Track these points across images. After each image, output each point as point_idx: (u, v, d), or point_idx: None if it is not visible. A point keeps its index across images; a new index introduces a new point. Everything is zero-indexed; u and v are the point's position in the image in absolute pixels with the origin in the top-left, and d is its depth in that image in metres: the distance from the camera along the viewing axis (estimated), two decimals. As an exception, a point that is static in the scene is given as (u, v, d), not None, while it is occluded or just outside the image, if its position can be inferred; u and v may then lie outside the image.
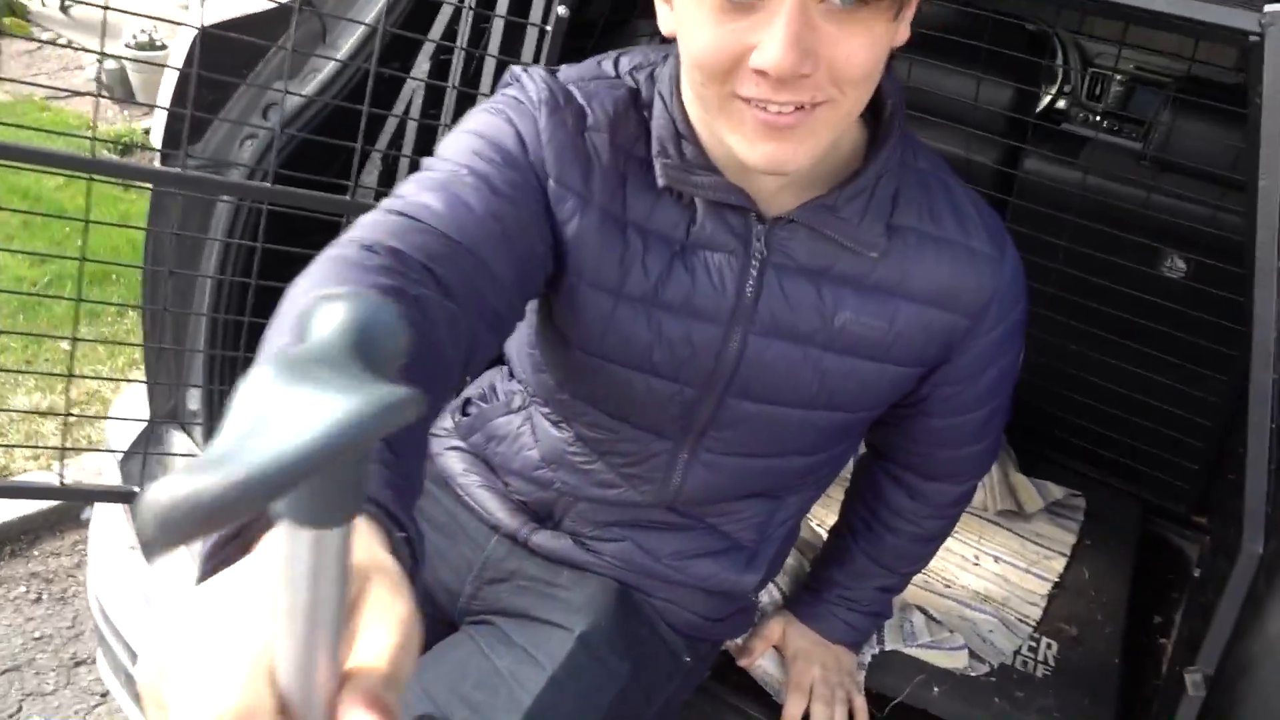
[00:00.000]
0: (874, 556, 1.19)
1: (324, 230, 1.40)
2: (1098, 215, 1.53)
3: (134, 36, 5.13)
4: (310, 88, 1.39)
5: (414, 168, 1.30)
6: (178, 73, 1.32)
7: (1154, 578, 1.59)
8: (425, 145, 1.33)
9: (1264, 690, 0.89)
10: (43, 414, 2.40)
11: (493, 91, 0.97)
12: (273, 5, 1.39)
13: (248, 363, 1.38)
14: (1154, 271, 1.57)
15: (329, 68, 1.39)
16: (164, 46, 5.28)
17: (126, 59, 5.29)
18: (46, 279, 3.21)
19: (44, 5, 6.58)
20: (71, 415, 1.58)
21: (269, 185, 1.22)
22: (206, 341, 1.38)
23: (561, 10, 1.20)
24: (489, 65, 1.27)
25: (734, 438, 0.96)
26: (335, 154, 1.36)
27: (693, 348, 0.89)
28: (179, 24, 1.42)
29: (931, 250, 0.90)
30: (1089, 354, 1.62)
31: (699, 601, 1.10)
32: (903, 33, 0.79)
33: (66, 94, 5.33)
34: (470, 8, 1.26)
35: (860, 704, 1.22)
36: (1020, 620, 1.40)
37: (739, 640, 1.27)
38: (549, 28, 1.22)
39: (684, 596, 1.09)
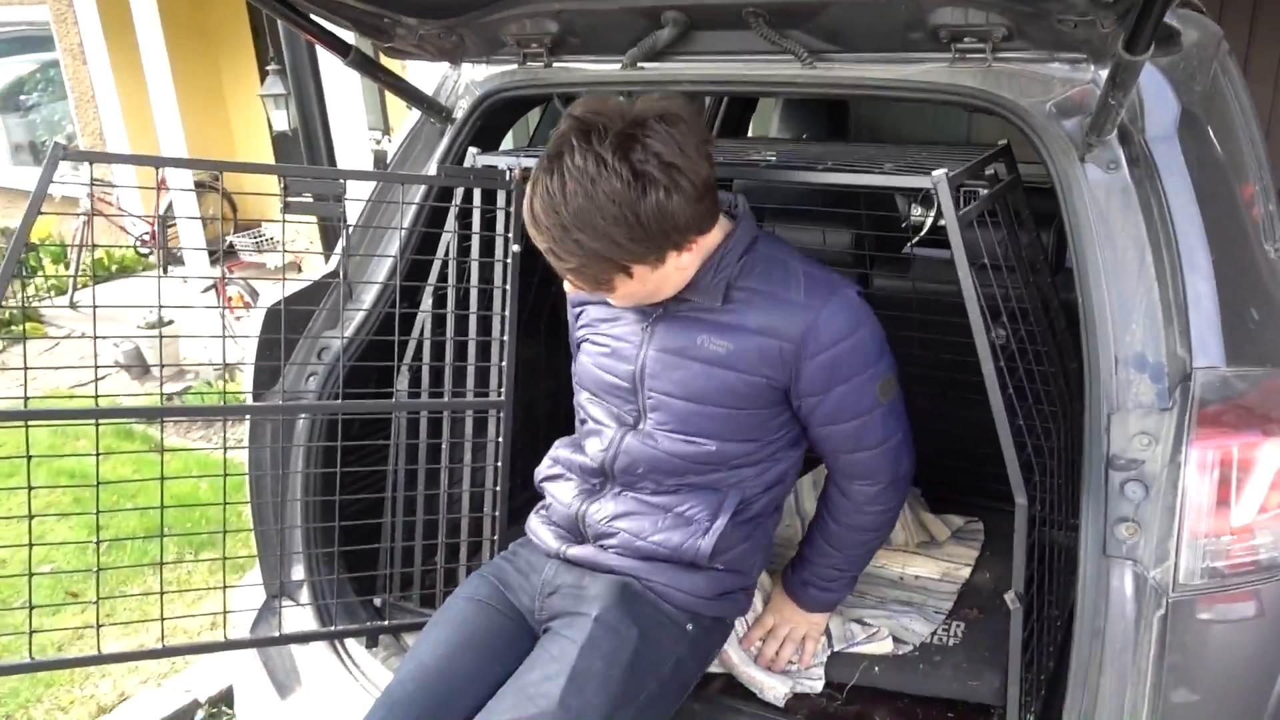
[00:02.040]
0: (826, 539, 1.71)
1: (375, 426, 1.94)
2: (932, 309, 2.07)
3: (144, 318, 5.78)
4: (349, 331, 1.95)
5: (433, 374, 1.85)
6: (258, 339, 1.88)
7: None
8: (437, 355, 1.87)
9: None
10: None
11: (480, 311, 1.57)
12: (312, 282, 1.97)
13: (332, 535, 1.88)
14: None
15: (359, 315, 1.96)
16: (171, 322, 5.95)
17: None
18: (105, 545, 3.68)
19: (54, 307, 7.31)
20: (229, 613, 2.03)
21: (339, 402, 1.74)
22: (303, 518, 1.88)
23: (516, 248, 1.77)
24: (474, 294, 1.83)
25: (652, 420, 1.58)
26: (372, 372, 1.91)
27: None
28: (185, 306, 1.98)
29: (761, 299, 1.53)
30: (960, 411, 2.12)
31: (685, 580, 1.60)
32: (691, 257, 1.48)
33: (109, 366, 5.88)
34: (453, 258, 1.83)
35: (810, 647, 1.76)
36: (935, 612, 1.86)
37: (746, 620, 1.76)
38: (508, 261, 1.78)
39: (672, 576, 1.59)
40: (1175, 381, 1.40)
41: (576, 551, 1.66)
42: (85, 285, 7.60)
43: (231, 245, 7.24)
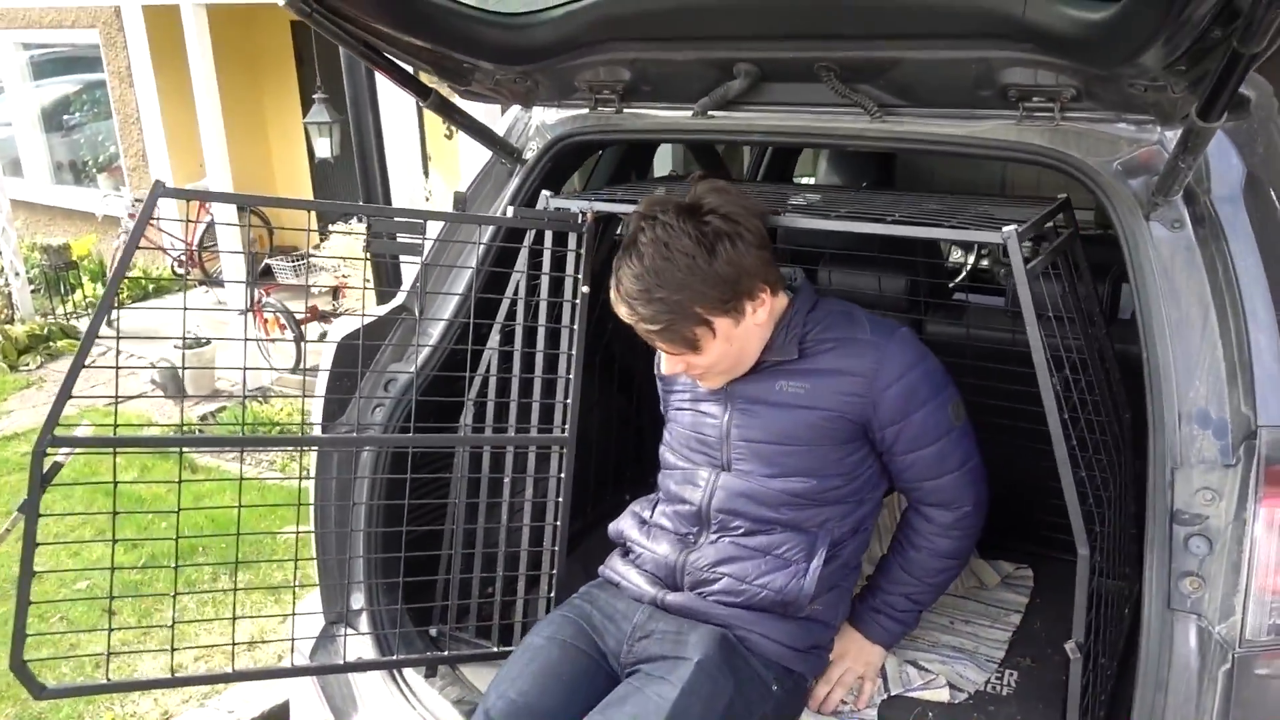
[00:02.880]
0: (903, 566, 1.79)
1: (439, 459, 1.98)
2: (986, 356, 2.11)
3: (182, 339, 5.86)
4: (414, 365, 2.00)
5: (497, 411, 1.89)
6: (329, 372, 1.93)
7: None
8: (504, 392, 1.92)
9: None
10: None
11: (546, 350, 1.72)
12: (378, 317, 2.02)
13: (392, 565, 1.92)
14: (1036, 390, 2.12)
15: (424, 351, 2.00)
16: (209, 342, 6.04)
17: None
18: (141, 561, 3.73)
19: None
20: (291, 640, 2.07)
21: (409, 435, 1.78)
22: (365, 548, 1.92)
23: (584, 289, 1.82)
24: (541, 332, 1.88)
25: (743, 465, 1.70)
26: (433, 405, 1.94)
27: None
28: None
29: (832, 344, 1.69)
30: (1013, 458, 2.14)
31: (781, 629, 1.66)
32: (764, 318, 1.65)
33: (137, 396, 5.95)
34: (522, 298, 1.87)
35: (868, 689, 1.78)
36: (988, 660, 1.87)
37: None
38: (577, 301, 1.83)
39: (770, 626, 1.67)
40: (1239, 438, 1.42)
41: (676, 599, 1.72)
42: (124, 303, 7.73)
43: (268, 268, 7.35)
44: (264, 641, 3.01)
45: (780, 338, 1.69)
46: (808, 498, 1.69)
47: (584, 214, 1.81)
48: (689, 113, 1.89)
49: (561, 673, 1.63)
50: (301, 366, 6.01)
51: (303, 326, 6.06)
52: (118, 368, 1.62)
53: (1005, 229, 1.45)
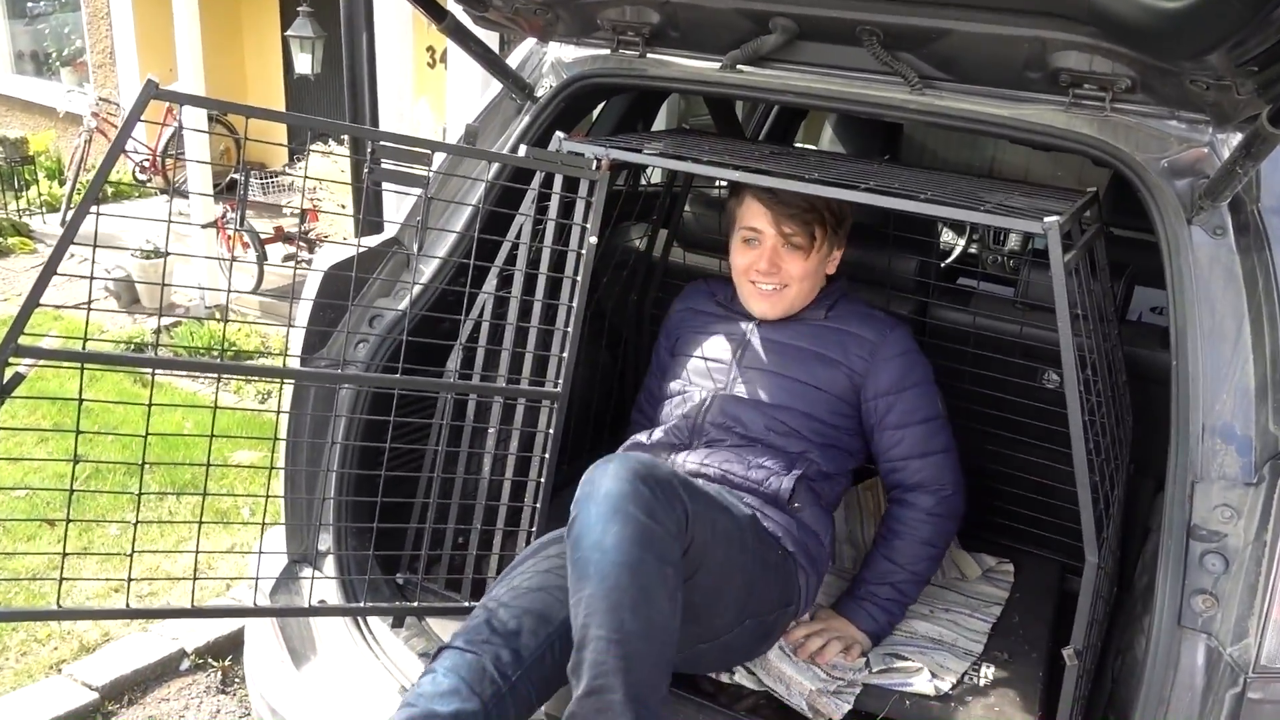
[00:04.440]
0: (888, 555, 1.87)
1: (419, 403, 1.89)
2: (989, 346, 2.06)
3: (139, 247, 5.65)
4: (404, 304, 1.90)
5: (487, 358, 1.80)
6: (313, 301, 1.82)
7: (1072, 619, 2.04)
8: (495, 339, 1.83)
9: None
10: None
11: (546, 298, 1.72)
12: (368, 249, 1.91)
13: (362, 508, 1.84)
14: (1036, 384, 2.08)
15: (415, 289, 1.90)
16: (166, 254, 5.83)
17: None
18: (86, 474, 3.59)
19: (44, 223, 7.16)
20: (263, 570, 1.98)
21: (397, 376, 1.69)
22: (337, 489, 1.84)
23: (592, 240, 1.73)
24: (541, 280, 1.79)
25: (745, 388, 1.89)
26: (419, 347, 1.85)
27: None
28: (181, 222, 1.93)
29: (848, 314, 1.94)
30: (1003, 451, 2.11)
31: (775, 512, 1.80)
32: (832, 265, 1.95)
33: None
34: (524, 242, 1.78)
35: (856, 650, 1.80)
36: (967, 652, 1.84)
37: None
38: (584, 252, 1.74)
39: (763, 507, 1.79)
40: (1264, 457, 1.39)
41: (688, 465, 1.85)
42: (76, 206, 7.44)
43: (234, 182, 7.11)
44: (214, 577, 2.92)
45: (819, 299, 1.94)
46: (792, 426, 1.85)
47: (599, 160, 1.72)
48: (716, 64, 1.80)
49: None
50: (260, 288, 5.85)
51: (265, 247, 5.88)
52: (92, 278, 1.50)
53: (1047, 220, 1.38)
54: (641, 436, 1.97)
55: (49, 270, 1.39)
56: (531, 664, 1.47)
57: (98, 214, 1.34)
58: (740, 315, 1.99)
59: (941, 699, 1.73)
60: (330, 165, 5.30)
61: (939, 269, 2.23)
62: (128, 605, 1.54)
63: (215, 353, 4.73)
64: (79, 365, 1.49)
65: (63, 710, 2.39)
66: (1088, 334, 1.69)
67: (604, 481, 1.44)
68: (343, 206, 5.28)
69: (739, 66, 1.77)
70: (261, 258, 5.80)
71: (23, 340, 1.39)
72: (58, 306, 3.25)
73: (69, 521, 1.48)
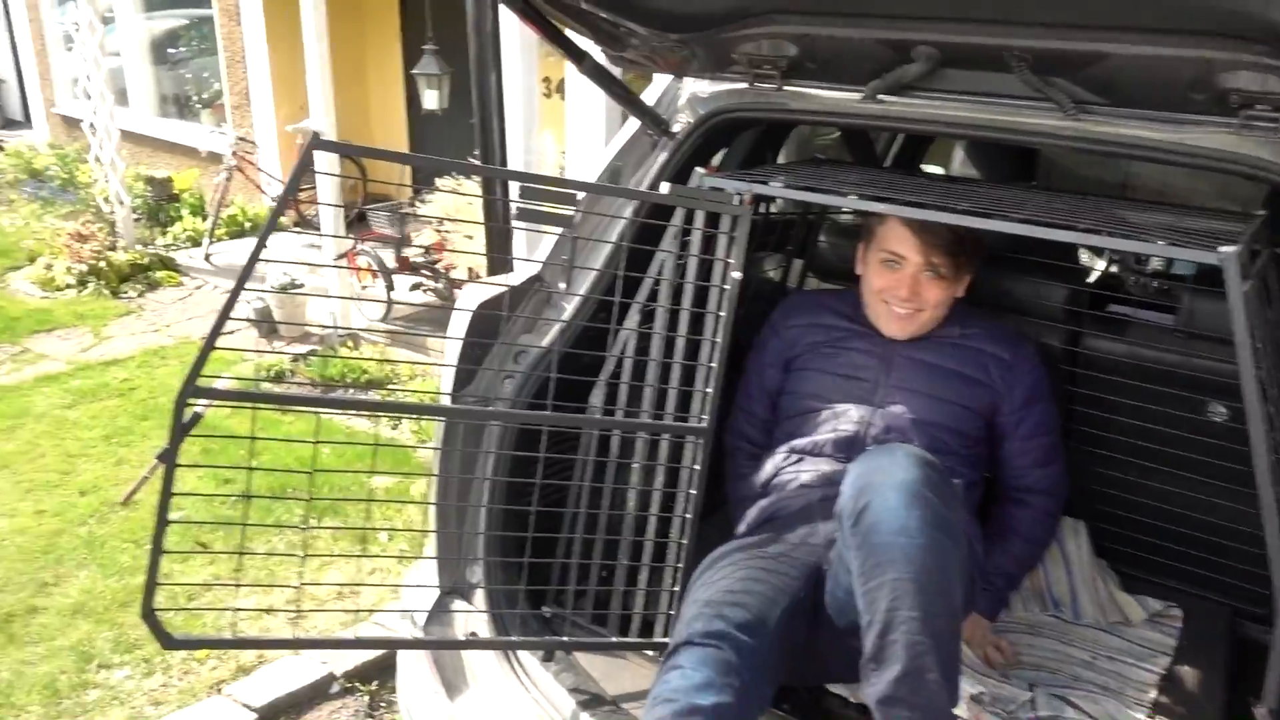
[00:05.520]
0: (1006, 550, 1.97)
1: (566, 440, 1.91)
2: (1147, 378, 1.97)
3: (277, 280, 5.90)
4: (546, 340, 1.93)
5: (631, 393, 1.82)
6: (461, 341, 1.87)
7: (1246, 670, 1.93)
8: (639, 375, 1.84)
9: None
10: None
11: (689, 334, 1.76)
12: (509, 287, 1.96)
13: (508, 542, 1.87)
14: (1201, 417, 1.99)
15: (556, 326, 1.94)
16: (302, 285, 6.07)
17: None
18: (233, 499, 3.74)
19: (189, 257, 7.55)
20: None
21: (546, 413, 1.72)
22: (484, 525, 1.87)
23: (736, 275, 1.73)
24: (683, 316, 1.80)
25: (899, 406, 1.91)
26: (562, 383, 1.88)
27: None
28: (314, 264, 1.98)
29: (981, 331, 1.97)
30: (1165, 489, 2.01)
31: None
32: (960, 290, 1.94)
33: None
34: (666, 279, 1.79)
35: (1006, 647, 1.91)
36: (1137, 703, 1.76)
37: None
38: (727, 287, 1.74)
39: None
40: None
41: None
42: (221, 238, 7.83)
43: (363, 214, 7.37)
44: (377, 609, 2.99)
45: (949, 319, 1.98)
46: (946, 441, 1.90)
47: (742, 196, 1.72)
48: (856, 95, 1.78)
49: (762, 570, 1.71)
50: (389, 316, 6.03)
51: (393, 277, 6.06)
52: (267, 322, 1.56)
53: (1223, 249, 1.32)
54: (784, 453, 1.96)
55: (223, 317, 1.46)
56: (763, 657, 1.54)
57: (214, 240, 1.40)
58: (873, 330, 1.99)
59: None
60: (458, 200, 5.44)
61: (1090, 297, 2.15)
62: (295, 636, 1.59)
63: (350, 386, 4.90)
64: (252, 406, 1.56)
65: (224, 730, 2.50)
66: (1268, 365, 1.61)
67: (894, 470, 1.50)
68: (469, 238, 5.41)
69: (880, 96, 1.75)
70: (389, 287, 5.99)
71: (199, 382, 1.47)
72: (229, 348, 3.40)
73: (242, 554, 1.53)
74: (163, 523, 1.48)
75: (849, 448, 1.89)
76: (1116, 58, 1.49)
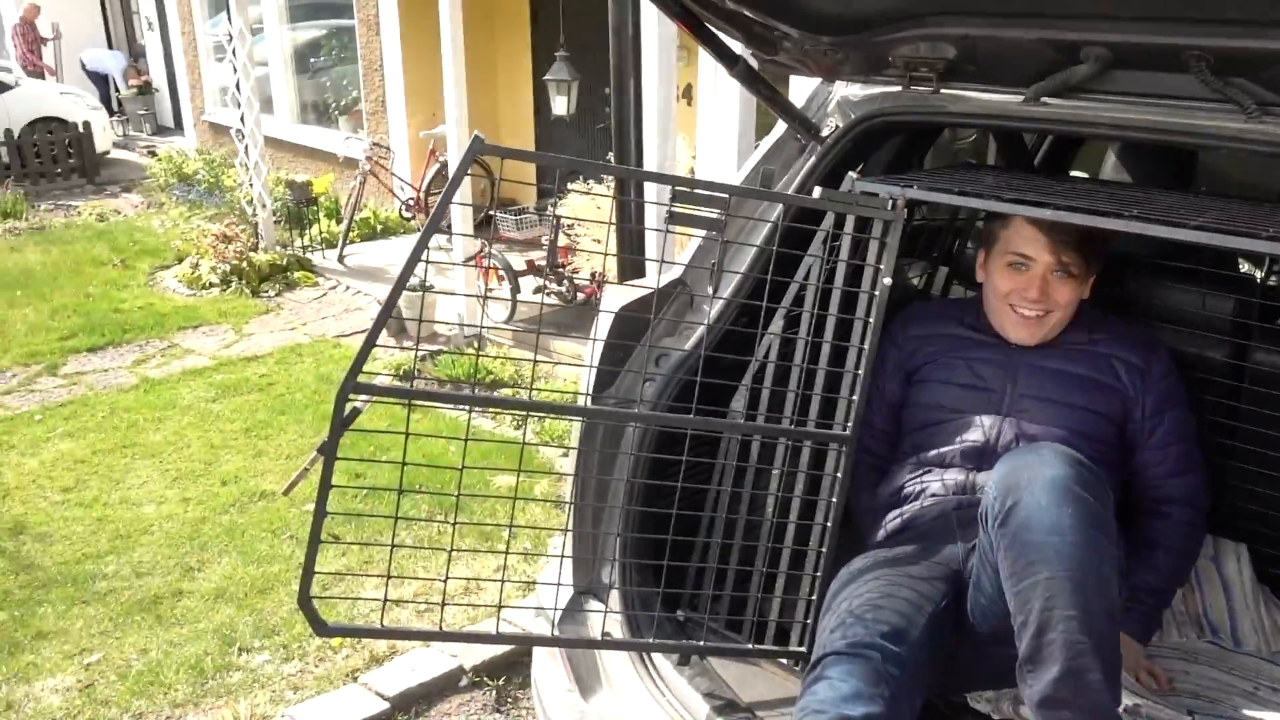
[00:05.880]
0: (1151, 565, 1.86)
1: (705, 444, 1.90)
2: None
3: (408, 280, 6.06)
4: (689, 344, 1.93)
5: (773, 399, 1.80)
6: (603, 342, 1.88)
7: None
8: (782, 380, 1.82)
9: None
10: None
11: (834, 340, 1.72)
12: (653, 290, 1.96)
13: (645, 544, 1.87)
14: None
15: (699, 329, 1.93)
16: (433, 287, 6.23)
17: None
18: (365, 489, 3.85)
19: (324, 258, 7.84)
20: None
21: (690, 416, 1.72)
22: (620, 527, 1.88)
23: (886, 281, 1.69)
24: (830, 322, 1.77)
25: (1028, 414, 1.85)
26: (705, 388, 1.87)
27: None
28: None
29: (1108, 335, 1.91)
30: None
31: None
32: (1086, 291, 1.88)
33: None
34: (813, 284, 1.77)
35: (1160, 673, 1.81)
36: (1307, 739, 1.66)
37: None
38: (876, 293, 1.71)
39: None
40: None
41: (986, 477, 1.77)
42: (355, 240, 8.11)
43: (490, 218, 7.53)
44: (516, 606, 3.03)
45: (1075, 324, 1.91)
46: (1076, 446, 1.71)
47: (895, 200, 1.69)
48: (1018, 98, 1.73)
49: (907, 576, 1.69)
50: (513, 318, 6.14)
51: (519, 280, 6.17)
52: (421, 320, 1.60)
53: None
54: (911, 466, 1.93)
55: (381, 320, 1.51)
56: (911, 666, 1.51)
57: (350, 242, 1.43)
58: (996, 339, 1.93)
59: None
60: (588, 202, 5.51)
61: (1260, 308, 2.04)
62: (440, 628, 1.63)
63: (472, 388, 5.00)
64: (407, 402, 1.60)
65: (360, 717, 2.57)
66: None
67: (1042, 468, 1.46)
68: (596, 241, 5.47)
69: (1044, 98, 1.69)
70: (515, 290, 6.10)
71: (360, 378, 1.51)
72: (383, 345, 3.51)
73: (393, 547, 1.57)
74: (321, 513, 1.53)
75: (978, 458, 1.86)
76: (1307, 57, 1.40)
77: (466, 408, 1.70)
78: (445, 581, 1.63)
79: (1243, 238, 1.38)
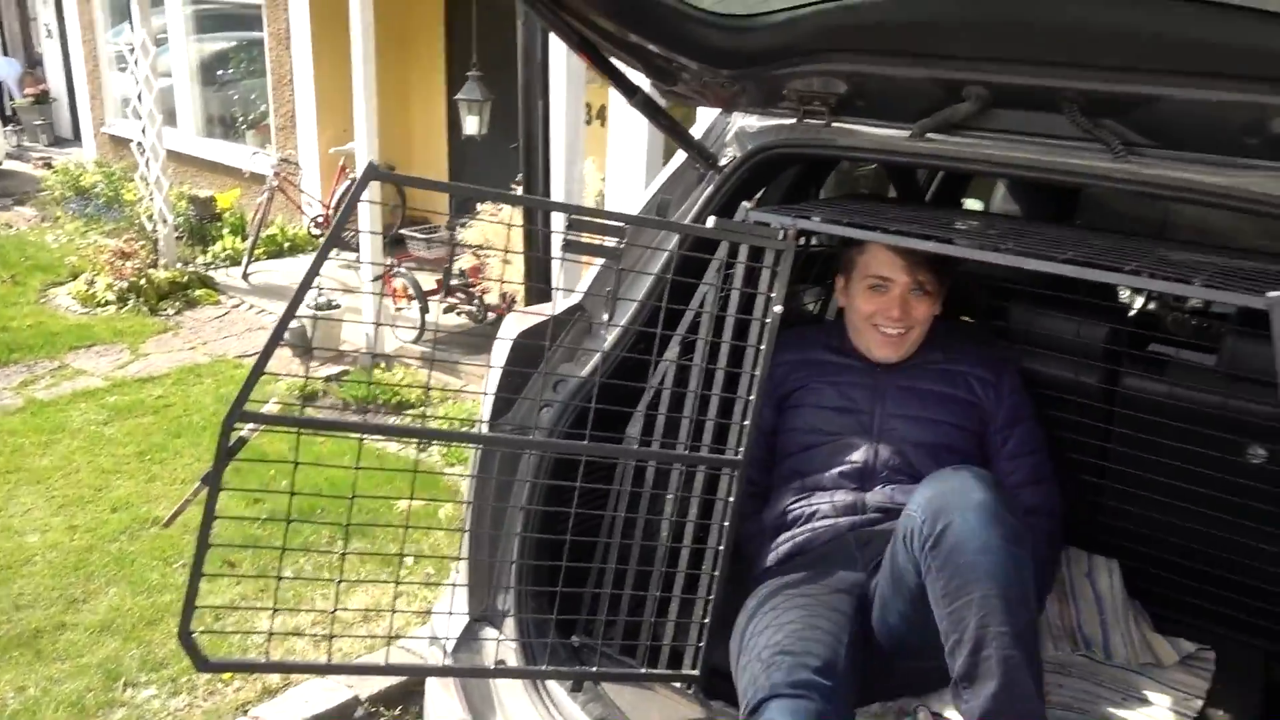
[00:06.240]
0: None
1: (600, 469, 1.91)
2: (1186, 418, 1.95)
3: (312, 299, 5.95)
4: (585, 370, 1.94)
5: (668, 424, 1.81)
6: (501, 370, 1.88)
7: (1278, 713, 1.89)
8: (676, 406, 1.84)
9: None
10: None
11: (728, 366, 1.74)
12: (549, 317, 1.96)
13: (543, 571, 1.86)
14: (1239, 459, 1.96)
15: (595, 356, 1.94)
16: (339, 305, 6.13)
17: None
18: (264, 517, 3.75)
19: (228, 276, 7.64)
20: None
21: (584, 443, 1.72)
22: (516, 553, 1.87)
23: (777, 309, 1.73)
24: (724, 349, 1.79)
25: (898, 433, 1.96)
26: (599, 415, 1.87)
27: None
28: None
29: (964, 351, 2.05)
30: (1199, 529, 1.98)
31: None
32: (938, 307, 2.00)
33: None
34: (708, 311, 1.79)
35: None
36: (1171, 750, 1.73)
37: None
38: (768, 320, 1.74)
39: None
40: None
41: (874, 496, 1.93)
42: (260, 258, 7.92)
43: (400, 237, 7.45)
44: (411, 636, 2.98)
45: (933, 345, 2.03)
46: (945, 460, 1.87)
47: (786, 230, 1.72)
48: (905, 133, 1.78)
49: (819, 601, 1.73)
50: (423, 338, 6.07)
51: (428, 299, 6.11)
52: (317, 346, 1.58)
53: (1271, 294, 1.31)
54: (794, 491, 1.99)
55: (271, 346, 1.47)
56: (841, 696, 1.57)
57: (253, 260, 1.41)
58: (860, 360, 2.05)
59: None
60: (497, 224, 5.49)
61: (1131, 336, 2.13)
62: (329, 659, 1.60)
63: (381, 409, 4.93)
64: (296, 430, 1.57)
65: (250, 751, 2.50)
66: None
67: (969, 492, 1.55)
68: (507, 262, 5.45)
69: (928, 135, 1.75)
70: (424, 309, 6.04)
71: (246, 406, 1.48)
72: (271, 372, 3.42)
73: (279, 578, 1.54)
74: (203, 546, 1.49)
75: (860, 478, 1.96)
76: (1170, 101, 1.48)
77: (376, 436, 1.67)
78: (333, 614, 1.60)
79: (1102, 269, 1.44)
